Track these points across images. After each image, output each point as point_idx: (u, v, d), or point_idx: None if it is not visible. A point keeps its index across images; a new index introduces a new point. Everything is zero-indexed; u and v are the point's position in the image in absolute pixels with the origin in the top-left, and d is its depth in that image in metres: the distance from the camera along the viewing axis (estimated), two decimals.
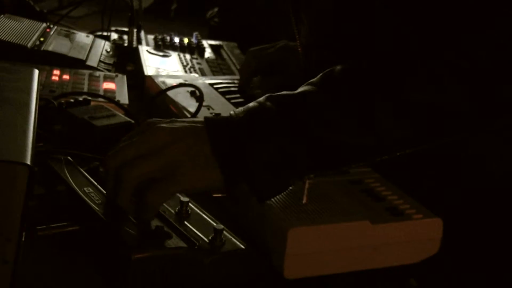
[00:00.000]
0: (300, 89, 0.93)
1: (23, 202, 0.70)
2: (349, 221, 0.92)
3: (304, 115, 0.90)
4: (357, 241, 0.92)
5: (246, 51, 1.53)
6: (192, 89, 1.37)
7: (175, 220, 0.91)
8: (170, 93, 1.37)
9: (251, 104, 0.93)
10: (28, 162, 0.70)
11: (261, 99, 0.93)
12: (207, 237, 0.87)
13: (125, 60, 1.74)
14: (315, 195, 0.96)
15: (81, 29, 2.03)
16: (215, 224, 0.90)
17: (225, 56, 1.95)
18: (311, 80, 0.95)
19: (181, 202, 0.93)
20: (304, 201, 0.91)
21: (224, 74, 1.72)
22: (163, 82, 1.44)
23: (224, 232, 0.87)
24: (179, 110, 1.31)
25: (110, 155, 0.90)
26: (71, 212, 0.95)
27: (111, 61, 1.68)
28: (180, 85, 1.38)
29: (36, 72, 0.97)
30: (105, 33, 1.93)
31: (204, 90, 1.37)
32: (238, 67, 1.84)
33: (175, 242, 0.87)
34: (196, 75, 1.55)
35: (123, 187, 0.87)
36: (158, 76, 1.49)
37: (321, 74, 0.95)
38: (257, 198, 0.90)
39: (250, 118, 0.91)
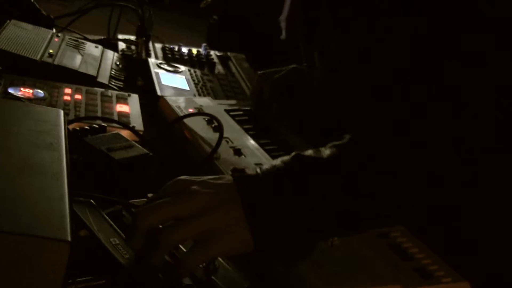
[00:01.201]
0: (327, 152, 0.92)
1: (63, 277, 0.68)
2: (382, 285, 0.90)
3: (331, 183, 0.90)
4: None
5: (256, 75, 1.51)
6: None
7: (202, 274, 0.89)
8: (186, 120, 1.35)
9: (277, 164, 0.92)
10: (69, 238, 0.68)
11: (288, 159, 0.93)
12: None
13: (135, 73, 1.71)
14: (343, 249, 0.95)
15: (86, 32, 1.99)
16: (242, 280, 0.88)
17: (233, 70, 1.93)
18: (338, 143, 0.94)
19: None
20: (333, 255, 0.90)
21: (235, 93, 1.70)
22: (179, 107, 1.41)
23: None
24: (196, 140, 1.28)
25: (143, 210, 0.89)
26: (94, 261, 0.92)
27: (121, 75, 1.65)
28: (198, 114, 1.36)
29: (61, 115, 0.94)
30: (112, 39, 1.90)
31: (220, 117, 1.35)
32: (248, 83, 1.82)
33: None
34: (210, 99, 1.51)
35: (160, 249, 0.87)
36: (172, 99, 1.46)
37: (348, 137, 0.94)
38: (283, 263, 0.89)
39: (277, 182, 0.90)
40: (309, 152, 0.94)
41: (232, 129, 1.36)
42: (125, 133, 1.30)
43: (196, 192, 0.89)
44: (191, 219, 0.87)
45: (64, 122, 0.93)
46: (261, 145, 1.31)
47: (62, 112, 0.96)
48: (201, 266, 0.91)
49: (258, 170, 0.92)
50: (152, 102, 1.54)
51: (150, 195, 1.03)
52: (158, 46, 1.98)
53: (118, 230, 0.96)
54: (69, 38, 1.74)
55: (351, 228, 0.92)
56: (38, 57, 1.53)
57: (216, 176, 0.93)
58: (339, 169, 0.91)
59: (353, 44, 1.15)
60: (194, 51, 1.97)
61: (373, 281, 0.91)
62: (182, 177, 0.93)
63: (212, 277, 0.90)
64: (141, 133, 1.34)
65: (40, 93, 1.38)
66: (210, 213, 0.88)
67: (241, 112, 1.48)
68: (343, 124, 1.21)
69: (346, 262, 0.93)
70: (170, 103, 1.44)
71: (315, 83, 1.29)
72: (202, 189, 0.90)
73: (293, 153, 0.93)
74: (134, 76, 1.71)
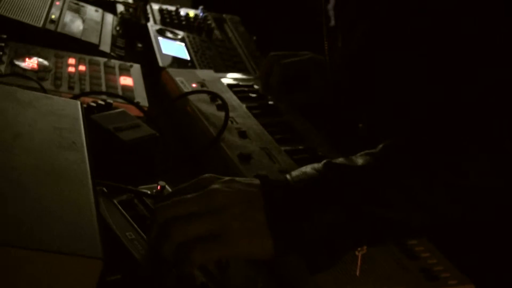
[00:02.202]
0: (360, 160, 0.93)
1: None
2: (389, 287, 0.92)
3: (365, 193, 0.91)
4: None
5: (268, 56, 1.50)
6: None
7: (216, 270, 0.91)
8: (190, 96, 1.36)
9: (309, 171, 0.92)
10: (101, 255, 0.69)
11: (320, 166, 0.92)
12: None
13: (135, 38, 1.71)
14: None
15: None
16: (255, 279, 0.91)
17: (230, 34, 1.93)
18: (371, 151, 0.95)
19: None
20: (357, 273, 0.92)
21: (234, 63, 1.70)
22: (182, 82, 1.42)
23: None
24: (200, 120, 1.29)
25: (162, 207, 0.89)
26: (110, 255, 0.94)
27: (122, 43, 1.64)
28: (203, 91, 1.36)
29: (79, 107, 0.94)
30: None
31: (223, 93, 1.36)
32: (244, 49, 1.82)
33: None
34: (212, 72, 1.52)
35: (170, 241, 0.86)
36: (174, 72, 1.46)
37: (381, 146, 0.95)
38: (310, 271, 0.89)
39: (309, 189, 0.90)
40: (342, 160, 0.94)
41: (235, 107, 1.37)
42: (130, 108, 1.31)
43: (217, 190, 0.89)
44: (206, 215, 0.87)
45: (82, 115, 0.93)
46: (264, 126, 1.32)
47: (79, 104, 0.96)
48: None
49: (288, 176, 0.92)
50: (153, 70, 1.55)
51: (161, 182, 1.05)
52: (156, 7, 1.97)
53: (132, 222, 0.97)
54: (70, 2, 1.72)
55: (381, 239, 0.94)
56: (40, 24, 1.52)
57: (244, 178, 0.94)
58: (374, 179, 0.92)
59: (382, 34, 1.14)
60: (191, 13, 1.96)
61: (380, 283, 0.93)
62: (207, 175, 0.93)
63: (227, 271, 0.92)
64: (146, 109, 1.35)
65: (45, 64, 1.37)
66: (228, 211, 0.87)
67: (244, 89, 1.48)
68: (356, 113, 1.22)
69: (353, 262, 0.95)
70: (173, 77, 1.44)
71: (332, 67, 1.29)
72: (224, 187, 0.89)
73: (325, 161, 0.93)
74: (134, 41, 1.70)
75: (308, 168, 0.92)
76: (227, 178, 0.92)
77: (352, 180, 0.91)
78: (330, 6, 1.26)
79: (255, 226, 0.87)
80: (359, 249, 0.92)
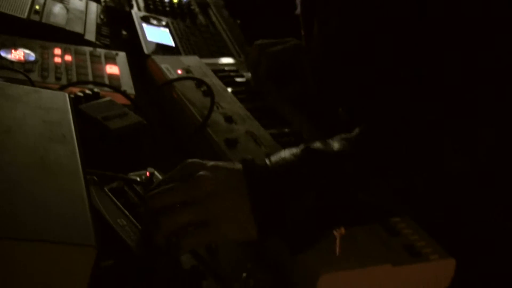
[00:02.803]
0: (336, 145, 0.96)
1: (87, 284, 0.72)
2: (373, 265, 0.96)
3: (340, 176, 0.94)
4: (379, 282, 0.97)
5: (252, 46, 1.52)
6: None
7: (206, 254, 0.94)
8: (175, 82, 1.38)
9: (287, 156, 0.95)
10: (95, 243, 0.72)
11: (297, 151, 0.95)
12: (239, 275, 0.92)
13: (119, 26, 1.73)
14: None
15: None
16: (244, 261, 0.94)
17: (214, 19, 1.95)
18: (347, 135, 0.97)
19: None
20: (337, 253, 0.95)
21: (219, 48, 1.73)
22: (167, 69, 1.44)
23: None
24: (186, 106, 1.32)
25: (151, 196, 0.93)
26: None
27: (107, 31, 1.66)
28: (188, 78, 1.39)
29: (67, 99, 0.97)
30: None
31: (208, 79, 1.40)
32: (229, 33, 1.85)
33: (211, 284, 0.90)
34: (197, 58, 1.54)
35: (161, 231, 0.90)
36: (160, 59, 1.49)
37: (357, 130, 0.98)
38: (291, 252, 0.93)
39: (288, 174, 0.93)
40: (318, 145, 0.97)
41: (221, 93, 1.39)
42: (117, 96, 1.33)
43: (203, 177, 0.92)
44: (194, 203, 0.91)
45: (71, 107, 0.96)
46: (250, 110, 1.35)
47: (67, 96, 0.98)
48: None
49: (267, 161, 0.95)
50: (139, 58, 1.57)
51: (150, 169, 1.08)
52: None
53: (123, 209, 1.00)
54: None
55: (358, 220, 0.97)
56: (25, 15, 1.54)
57: (227, 162, 0.97)
58: (348, 163, 0.95)
59: (353, 25, 1.17)
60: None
61: (365, 262, 0.96)
62: (192, 160, 0.96)
63: (216, 256, 0.95)
64: (132, 97, 1.37)
65: (32, 56, 1.40)
66: (213, 199, 0.91)
67: (229, 74, 1.51)
68: (335, 99, 1.25)
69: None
70: (159, 64, 1.46)
71: (310, 53, 1.31)
72: (209, 174, 0.93)
73: (302, 146, 0.96)
74: (119, 29, 1.72)
75: (287, 153, 0.96)
76: (211, 163, 0.95)
77: (327, 165, 0.94)
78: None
79: (240, 212, 0.91)
80: (337, 229, 0.95)
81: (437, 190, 0.99)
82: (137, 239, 0.94)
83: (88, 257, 0.71)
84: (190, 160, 0.96)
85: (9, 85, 0.96)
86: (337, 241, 0.94)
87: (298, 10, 1.30)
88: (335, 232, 0.94)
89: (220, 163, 0.96)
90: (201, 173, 0.93)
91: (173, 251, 0.91)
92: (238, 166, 0.95)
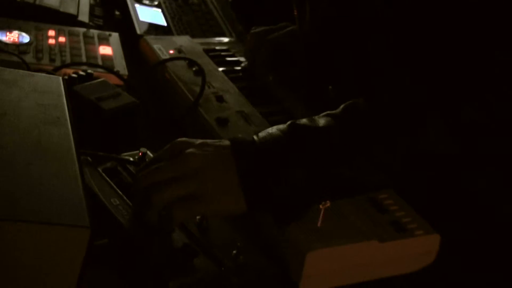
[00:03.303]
0: (322, 122, 0.99)
1: (82, 263, 0.75)
2: (360, 241, 0.99)
3: (325, 151, 0.98)
4: (366, 258, 1.00)
5: (250, 33, 1.53)
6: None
7: (198, 232, 0.97)
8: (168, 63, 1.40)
9: (274, 132, 0.99)
10: (88, 224, 0.74)
11: (284, 127, 0.99)
12: (230, 252, 0.95)
13: (112, 6, 1.75)
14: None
15: None
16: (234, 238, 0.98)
17: None
18: (333, 112, 1.01)
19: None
20: (319, 224, 0.98)
21: (211, 26, 1.75)
22: (159, 49, 1.47)
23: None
24: (178, 85, 1.34)
25: (141, 176, 0.96)
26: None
27: (100, 11, 1.68)
28: (180, 58, 1.41)
29: (61, 83, 0.99)
30: None
31: (199, 59, 1.42)
32: (220, 12, 1.86)
33: (202, 261, 0.93)
34: (188, 38, 1.56)
35: (152, 208, 0.93)
36: (152, 39, 1.51)
37: (342, 107, 1.01)
38: (277, 224, 0.97)
39: (274, 149, 0.97)
40: (304, 121, 1.00)
41: (212, 72, 1.42)
42: (110, 77, 1.36)
43: (191, 154, 0.95)
44: (183, 179, 0.94)
45: (65, 90, 0.98)
46: (240, 89, 1.37)
47: (61, 79, 1.01)
48: (194, 221, 0.99)
49: (255, 137, 0.98)
50: (132, 38, 1.59)
51: (143, 149, 1.11)
52: None
53: (116, 189, 1.03)
54: None
55: (343, 193, 1.01)
56: None
57: (215, 140, 1.00)
58: (333, 138, 0.98)
59: (343, 6, 1.20)
60: None
61: (352, 238, 0.99)
62: (181, 139, 0.99)
63: (207, 234, 0.98)
64: (126, 77, 1.40)
65: (26, 37, 1.42)
66: (202, 174, 0.94)
67: (221, 53, 1.53)
68: (326, 78, 1.28)
69: (327, 218, 1.01)
70: (151, 44, 1.48)
71: (302, 33, 1.34)
72: (197, 151, 0.96)
73: (289, 122, 1.00)
74: (112, 9, 1.74)
75: (274, 129, 0.99)
76: (199, 141, 0.98)
77: (312, 140, 0.98)
78: None
79: (229, 185, 0.95)
80: (322, 203, 0.98)
81: (419, 168, 1.01)
82: (129, 217, 0.97)
83: (82, 238, 0.74)
84: (178, 139, 0.99)
85: (4, 69, 0.98)
86: (321, 214, 0.97)
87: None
88: (320, 206, 0.97)
89: (208, 141, 0.99)
90: (189, 150, 0.96)
91: (164, 225, 0.94)
92: (226, 142, 0.98)
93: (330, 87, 1.31)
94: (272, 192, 0.95)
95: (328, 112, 1.01)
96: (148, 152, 1.10)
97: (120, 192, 1.01)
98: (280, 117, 1.29)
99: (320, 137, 0.98)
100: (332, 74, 1.30)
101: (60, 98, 0.96)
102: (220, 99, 1.31)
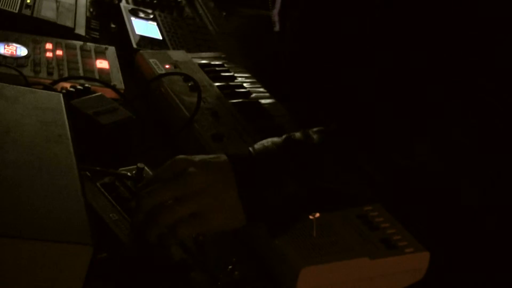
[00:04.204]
0: (315, 137, 1.04)
1: (84, 279, 0.77)
2: (352, 258, 1.02)
3: (318, 166, 1.03)
4: (357, 274, 1.03)
5: None
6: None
7: (194, 246, 1.00)
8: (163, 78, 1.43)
9: (269, 145, 1.04)
10: (91, 242, 0.77)
11: (279, 141, 1.04)
12: (226, 267, 0.98)
13: (108, 18, 1.77)
14: (317, 219, 1.06)
15: None
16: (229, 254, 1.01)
17: (200, 11, 1.99)
18: (325, 129, 1.06)
19: None
20: (314, 234, 1.02)
21: (205, 41, 1.77)
22: (155, 63, 1.49)
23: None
24: (174, 101, 1.37)
25: (145, 195, 0.98)
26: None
27: (96, 24, 1.70)
28: (176, 73, 1.44)
29: (62, 100, 1.02)
30: None
31: (195, 74, 1.45)
32: (215, 26, 1.89)
33: (198, 276, 0.96)
34: (184, 53, 1.59)
35: (157, 227, 0.97)
36: (148, 53, 1.53)
37: (335, 126, 1.06)
38: (271, 235, 1.01)
39: (268, 162, 1.02)
40: (299, 135, 1.05)
41: (207, 88, 1.44)
42: (106, 91, 1.38)
43: (194, 174, 0.99)
44: (186, 199, 0.98)
45: (65, 107, 1.01)
46: (235, 105, 1.40)
47: (61, 96, 1.03)
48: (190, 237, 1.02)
49: (251, 149, 1.03)
50: (127, 51, 1.61)
51: (140, 164, 1.13)
52: None
53: (115, 204, 1.05)
54: None
55: (333, 206, 1.05)
56: (16, 9, 1.57)
57: (213, 156, 1.03)
58: (325, 155, 1.03)
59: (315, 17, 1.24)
60: None
61: (344, 255, 1.02)
62: (181, 156, 1.02)
63: (203, 247, 1.01)
64: (122, 91, 1.42)
65: (23, 50, 1.44)
66: (204, 194, 0.98)
67: (215, 68, 1.55)
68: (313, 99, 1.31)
69: (319, 235, 1.04)
70: (147, 59, 1.51)
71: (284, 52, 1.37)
72: (198, 170, 0.99)
73: (284, 136, 1.05)
74: (108, 21, 1.77)
75: (269, 142, 1.04)
76: (198, 158, 1.02)
77: (306, 156, 1.03)
78: (275, 11, 1.35)
79: (229, 202, 0.99)
80: (312, 214, 1.03)
81: (407, 183, 1.07)
82: (128, 233, 0.99)
83: (84, 255, 0.76)
84: (178, 157, 1.02)
85: (4, 85, 1.00)
86: (314, 224, 1.01)
87: (277, 28, 1.36)
88: (310, 216, 1.01)
89: (207, 158, 1.02)
90: (190, 169, 0.99)
91: (166, 242, 0.97)
92: (224, 157, 1.02)
93: (320, 112, 1.35)
94: (268, 203, 0.99)
95: (322, 128, 1.05)
96: (146, 167, 1.12)
97: (118, 207, 1.03)
98: (274, 133, 1.31)
99: (313, 153, 1.03)
100: (319, 99, 1.34)
101: (61, 115, 0.98)
102: (215, 115, 1.33)
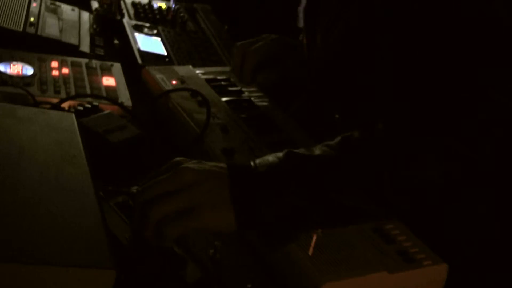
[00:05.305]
0: (317, 151, 1.03)
1: None
2: (371, 272, 1.01)
3: (319, 179, 1.01)
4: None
5: (234, 46, 1.56)
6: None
7: (211, 265, 0.99)
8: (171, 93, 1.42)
9: (271, 159, 1.02)
10: (114, 266, 0.76)
11: (281, 155, 1.03)
12: (244, 286, 0.98)
13: (112, 34, 1.77)
14: (332, 234, 1.05)
15: None
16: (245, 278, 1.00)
17: (202, 25, 1.99)
18: (329, 143, 1.05)
19: (215, 246, 1.01)
20: (310, 253, 1.00)
21: (209, 55, 1.77)
22: (162, 79, 1.48)
23: None
24: (183, 117, 1.36)
25: (139, 191, 0.99)
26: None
27: (100, 41, 1.70)
28: (184, 89, 1.43)
29: (74, 120, 1.01)
30: None
31: (202, 89, 1.45)
32: (217, 39, 1.89)
33: None
34: (190, 68, 1.58)
35: (149, 221, 0.95)
36: (154, 69, 1.53)
37: (339, 138, 1.05)
38: (268, 248, 1.00)
39: (269, 174, 1.00)
40: (301, 149, 1.04)
41: (215, 102, 1.44)
42: (114, 108, 1.38)
43: (186, 168, 0.98)
44: (177, 193, 0.97)
45: (78, 127, 1.00)
46: (244, 119, 1.39)
47: (73, 116, 1.02)
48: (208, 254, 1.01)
49: (252, 162, 1.02)
50: (132, 66, 1.61)
51: None
52: (128, 0, 2.02)
53: (128, 222, 1.04)
54: (46, 2, 1.77)
55: (335, 222, 1.03)
56: (21, 28, 1.57)
57: (213, 163, 1.03)
58: (327, 168, 1.02)
59: (355, 33, 1.23)
60: (164, 6, 2.02)
61: (363, 269, 1.01)
62: (178, 158, 1.02)
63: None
64: (130, 108, 1.41)
65: (29, 69, 1.43)
66: (196, 188, 0.97)
67: (222, 83, 1.55)
68: (334, 106, 1.31)
69: (336, 249, 1.03)
70: (154, 75, 1.50)
71: (313, 62, 1.37)
72: (192, 166, 0.99)
73: (286, 150, 1.03)
74: (111, 37, 1.76)
75: (270, 156, 1.03)
76: (196, 160, 1.01)
77: (307, 168, 1.01)
78: (301, 8, 1.34)
79: (221, 201, 0.97)
80: (314, 230, 1.01)
81: (411, 197, 1.06)
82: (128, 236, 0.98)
83: (108, 279, 0.76)
84: (176, 158, 1.02)
85: (18, 107, 0.99)
86: (312, 242, 0.99)
87: (300, 23, 1.35)
88: (312, 233, 1.00)
89: (204, 162, 1.02)
90: (184, 165, 0.99)
91: (159, 241, 0.96)
92: (222, 164, 1.02)
93: (336, 116, 1.33)
94: (263, 214, 0.98)
95: (325, 142, 1.05)
96: None
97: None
98: (284, 147, 1.31)
99: (313, 165, 1.02)
100: (339, 103, 1.33)
101: (74, 135, 0.98)
102: (224, 129, 1.33)
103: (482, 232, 1.24)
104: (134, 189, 1.12)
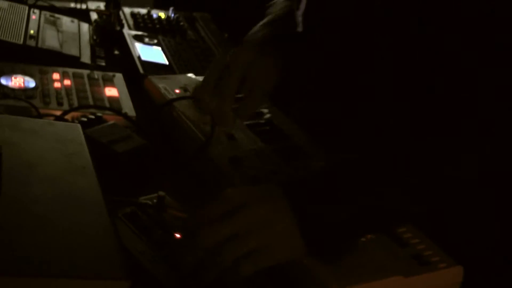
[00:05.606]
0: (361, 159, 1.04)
1: None
2: (386, 277, 1.00)
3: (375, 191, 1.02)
4: None
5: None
6: None
7: None
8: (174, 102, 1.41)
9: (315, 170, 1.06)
10: (128, 276, 0.75)
11: (330, 167, 1.05)
12: None
13: (112, 44, 1.76)
14: None
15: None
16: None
17: (202, 33, 1.98)
18: (367, 152, 1.06)
19: None
20: None
21: (210, 63, 1.75)
22: (165, 88, 1.47)
23: None
24: (187, 125, 1.35)
25: (204, 232, 0.97)
26: None
27: (100, 52, 1.69)
28: (188, 97, 1.42)
29: (80, 130, 1.00)
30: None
31: None
32: (219, 48, 1.88)
33: None
34: (192, 76, 1.57)
35: (218, 267, 0.95)
36: (157, 79, 1.52)
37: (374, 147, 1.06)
38: (328, 260, 0.99)
39: (324, 189, 1.01)
40: (342, 156, 1.05)
41: None
42: (118, 118, 1.37)
43: (251, 209, 0.98)
44: (247, 236, 0.96)
45: (84, 138, 0.99)
46: (249, 126, 1.38)
47: (79, 127, 1.01)
48: None
49: (298, 176, 1.04)
50: (133, 76, 1.60)
51: (161, 192, 1.11)
52: (127, 11, 2.01)
53: (139, 234, 1.03)
54: (45, 15, 1.76)
55: (385, 226, 1.05)
56: (21, 41, 1.56)
57: (263, 186, 1.05)
58: (379, 179, 1.03)
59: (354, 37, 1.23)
60: (163, 15, 2.01)
61: (378, 274, 1.00)
62: (230, 190, 1.01)
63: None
64: (134, 118, 1.40)
65: (31, 82, 1.42)
66: (263, 227, 0.97)
67: None
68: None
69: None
70: (156, 84, 1.49)
71: (313, 62, 1.36)
72: (255, 204, 0.98)
73: (337, 161, 1.06)
74: (111, 48, 1.75)
75: (314, 168, 1.06)
76: (249, 190, 1.03)
77: (354, 175, 1.03)
78: (300, 12, 1.33)
79: (289, 234, 0.98)
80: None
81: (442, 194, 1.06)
82: (180, 274, 0.96)
83: None
84: (229, 191, 1.01)
85: (22, 118, 0.98)
86: None
87: (300, 28, 1.34)
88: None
89: (258, 189, 1.03)
90: (246, 206, 0.98)
91: (234, 279, 0.96)
92: (273, 186, 1.01)
93: (336, 116, 1.33)
94: (324, 221, 0.99)
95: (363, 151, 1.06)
96: (167, 196, 1.10)
97: (143, 237, 1.01)
98: (292, 153, 1.30)
99: (359, 171, 1.03)
100: (339, 103, 1.32)
101: (82, 146, 0.97)
102: (231, 137, 1.31)
103: (482, 232, 1.23)
104: (142, 199, 1.11)
